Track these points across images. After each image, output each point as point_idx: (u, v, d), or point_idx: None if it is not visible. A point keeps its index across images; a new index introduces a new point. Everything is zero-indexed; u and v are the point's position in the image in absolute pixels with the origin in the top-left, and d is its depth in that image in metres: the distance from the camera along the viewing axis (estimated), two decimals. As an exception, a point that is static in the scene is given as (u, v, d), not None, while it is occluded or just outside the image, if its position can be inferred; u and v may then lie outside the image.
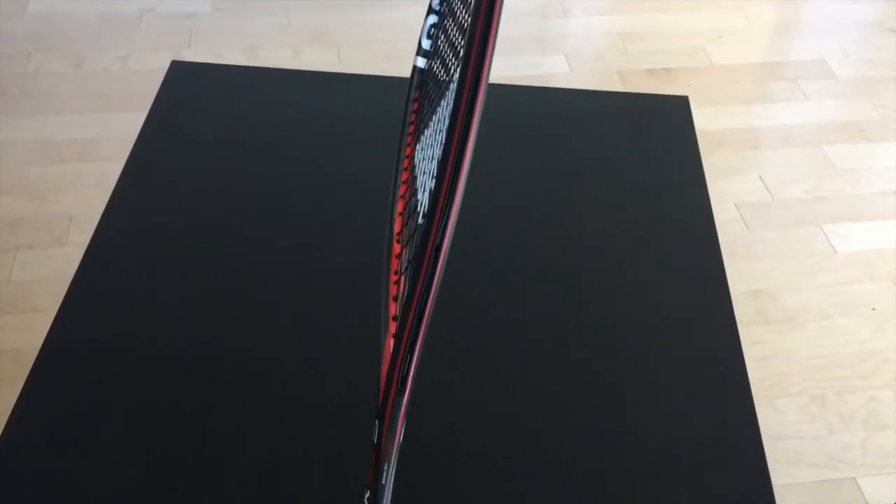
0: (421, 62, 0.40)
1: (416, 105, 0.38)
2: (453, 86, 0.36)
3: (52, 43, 2.33)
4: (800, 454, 1.49)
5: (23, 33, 2.36)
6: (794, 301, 1.75)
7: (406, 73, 1.07)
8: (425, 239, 0.34)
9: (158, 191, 0.91)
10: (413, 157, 0.37)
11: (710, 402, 0.76)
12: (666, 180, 0.97)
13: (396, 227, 0.38)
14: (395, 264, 0.39)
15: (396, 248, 0.39)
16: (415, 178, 0.39)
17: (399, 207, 0.39)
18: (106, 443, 0.71)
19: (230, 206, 0.91)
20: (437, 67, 0.41)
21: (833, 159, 2.08)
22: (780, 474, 1.46)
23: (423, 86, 0.38)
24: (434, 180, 0.32)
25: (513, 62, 2.31)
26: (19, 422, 0.72)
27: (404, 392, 0.41)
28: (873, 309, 1.74)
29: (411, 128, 0.37)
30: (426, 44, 0.38)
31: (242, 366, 0.76)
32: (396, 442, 0.44)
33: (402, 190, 0.39)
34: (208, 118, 1.01)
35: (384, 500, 0.48)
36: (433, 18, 0.37)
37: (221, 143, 0.98)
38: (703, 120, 2.17)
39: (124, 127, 2.06)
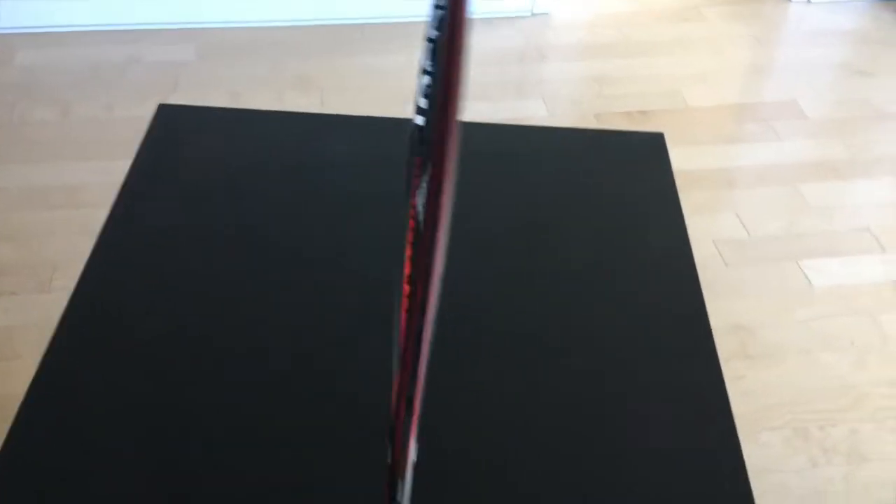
0: (420, 120, 0.42)
1: (418, 160, 0.40)
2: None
3: (39, 92, 2.36)
4: (785, 487, 1.51)
5: (9, 83, 2.39)
6: (774, 336, 1.78)
7: (387, 117, 1.09)
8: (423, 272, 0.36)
9: (144, 234, 0.92)
10: (416, 209, 0.40)
11: (695, 439, 0.77)
12: (643, 216, 0.98)
13: (406, 270, 0.41)
14: (405, 303, 0.41)
15: (406, 288, 0.41)
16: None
17: (407, 252, 0.41)
18: (93, 492, 0.70)
19: (217, 249, 0.92)
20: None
21: (807, 197, 2.13)
22: (767, 507, 1.48)
23: (423, 142, 0.40)
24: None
25: (492, 106, 2.36)
26: (2, 473, 0.71)
27: (412, 413, 0.43)
28: (852, 343, 1.77)
29: (415, 181, 0.40)
30: (423, 103, 0.41)
31: (237, 412, 0.77)
32: (409, 461, 0.46)
33: (409, 236, 0.41)
34: (195, 160, 1.02)
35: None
36: (427, 79, 0.40)
37: (208, 184, 0.99)
38: (680, 160, 2.22)
39: (110, 174, 2.09)
